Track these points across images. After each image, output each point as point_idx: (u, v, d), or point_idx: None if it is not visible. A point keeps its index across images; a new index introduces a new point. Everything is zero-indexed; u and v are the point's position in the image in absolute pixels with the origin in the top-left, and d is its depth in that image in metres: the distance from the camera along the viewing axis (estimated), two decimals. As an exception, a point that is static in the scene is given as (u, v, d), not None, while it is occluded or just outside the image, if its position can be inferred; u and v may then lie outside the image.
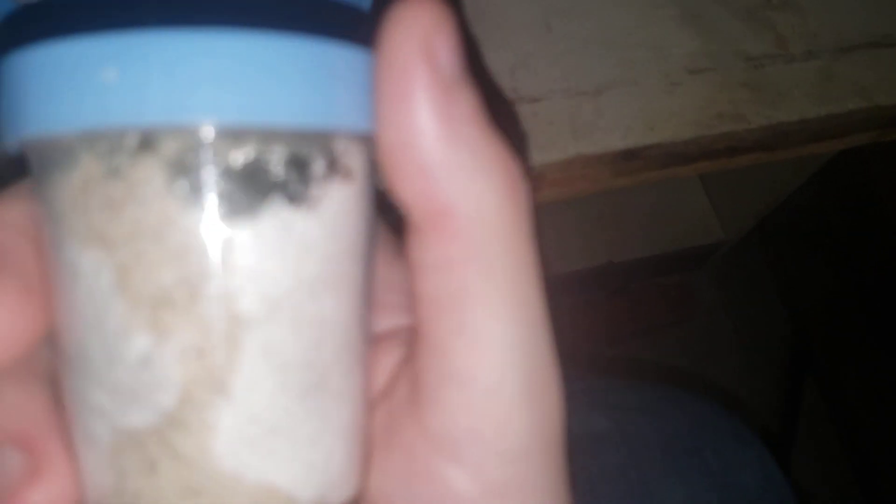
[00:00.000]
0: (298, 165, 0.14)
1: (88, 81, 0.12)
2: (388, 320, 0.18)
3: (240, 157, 0.13)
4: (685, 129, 0.34)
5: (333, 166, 0.14)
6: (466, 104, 0.14)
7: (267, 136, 0.13)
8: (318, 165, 0.14)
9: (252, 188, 0.13)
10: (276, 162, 0.13)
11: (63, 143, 0.13)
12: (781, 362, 1.02)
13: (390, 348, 0.18)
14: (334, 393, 0.15)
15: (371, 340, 0.17)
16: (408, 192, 0.14)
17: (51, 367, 0.15)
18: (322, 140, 0.14)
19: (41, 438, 0.14)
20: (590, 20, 0.36)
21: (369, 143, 0.15)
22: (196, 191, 0.13)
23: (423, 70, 0.13)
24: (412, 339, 0.16)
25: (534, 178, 0.32)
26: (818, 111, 0.36)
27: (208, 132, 0.13)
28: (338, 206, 0.14)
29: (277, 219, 0.14)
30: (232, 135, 0.13)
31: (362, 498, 0.16)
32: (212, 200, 0.13)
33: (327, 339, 0.15)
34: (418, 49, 0.13)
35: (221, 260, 0.13)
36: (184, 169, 0.13)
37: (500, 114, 0.33)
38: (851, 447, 0.98)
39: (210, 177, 0.13)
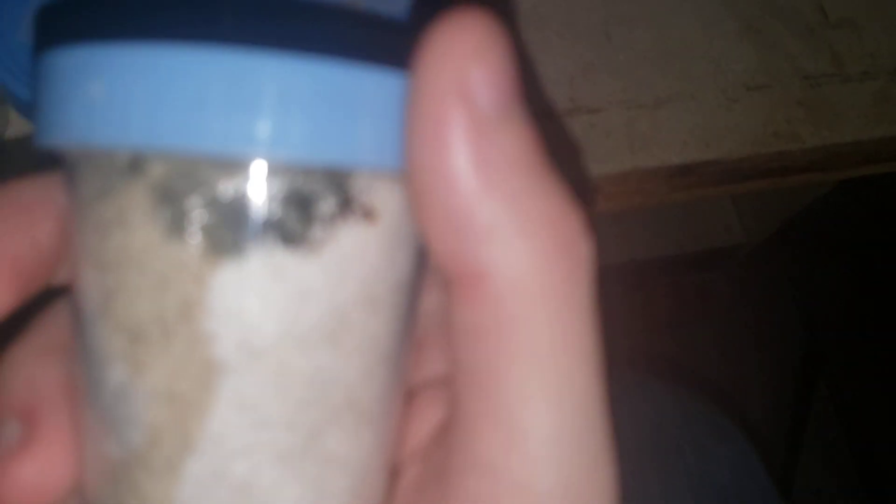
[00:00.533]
0: (300, 203, 0.12)
1: (77, 95, 0.12)
2: (442, 364, 0.16)
3: (229, 188, 0.12)
4: (741, 147, 0.34)
5: (348, 205, 0.13)
6: (510, 147, 0.12)
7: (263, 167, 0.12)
8: (327, 204, 0.12)
9: (240, 224, 0.12)
10: (272, 197, 0.12)
11: (68, 154, 0.13)
12: (793, 365, 1.03)
13: (439, 398, 0.15)
14: (326, 458, 0.13)
15: (400, 395, 0.15)
16: (437, 246, 0.12)
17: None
18: (333, 176, 0.12)
19: (43, 413, 0.14)
20: (649, 31, 0.36)
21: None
22: (177, 221, 0.12)
23: (457, 109, 0.11)
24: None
25: (590, 190, 0.32)
26: (873, 133, 0.36)
27: (196, 157, 0.12)
28: (350, 250, 0.13)
29: (268, 260, 0.12)
30: (223, 164, 0.12)
31: None
32: (193, 233, 0.12)
33: (321, 399, 0.13)
34: (452, 83, 0.11)
35: (198, 300, 0.12)
36: (168, 196, 0.12)
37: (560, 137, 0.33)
38: (859, 450, 0.99)
39: (193, 207, 0.12)
